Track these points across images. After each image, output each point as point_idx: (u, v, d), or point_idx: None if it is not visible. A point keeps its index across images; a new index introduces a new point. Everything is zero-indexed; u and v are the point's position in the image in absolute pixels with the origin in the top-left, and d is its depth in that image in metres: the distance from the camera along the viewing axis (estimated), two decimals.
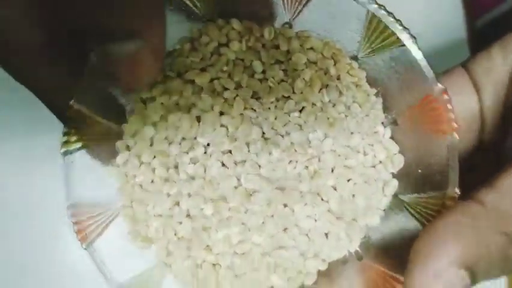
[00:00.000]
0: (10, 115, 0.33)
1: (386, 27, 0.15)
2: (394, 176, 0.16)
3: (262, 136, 0.16)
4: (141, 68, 0.13)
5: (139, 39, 0.12)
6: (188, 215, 0.16)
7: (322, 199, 0.15)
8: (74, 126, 0.15)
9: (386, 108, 0.16)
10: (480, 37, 0.32)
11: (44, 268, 0.31)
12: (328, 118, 0.16)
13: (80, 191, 0.16)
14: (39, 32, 0.14)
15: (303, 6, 0.16)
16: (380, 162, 0.16)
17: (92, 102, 0.15)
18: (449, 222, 0.13)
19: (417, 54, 0.15)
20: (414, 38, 0.15)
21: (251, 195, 0.15)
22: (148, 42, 0.13)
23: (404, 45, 0.15)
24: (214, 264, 0.16)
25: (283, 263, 0.16)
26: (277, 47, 0.16)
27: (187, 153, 0.16)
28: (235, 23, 0.16)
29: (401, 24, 0.15)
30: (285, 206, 0.15)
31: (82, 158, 0.16)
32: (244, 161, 0.15)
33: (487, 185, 0.14)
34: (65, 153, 0.16)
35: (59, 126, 0.32)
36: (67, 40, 0.14)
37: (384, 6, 0.15)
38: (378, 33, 0.15)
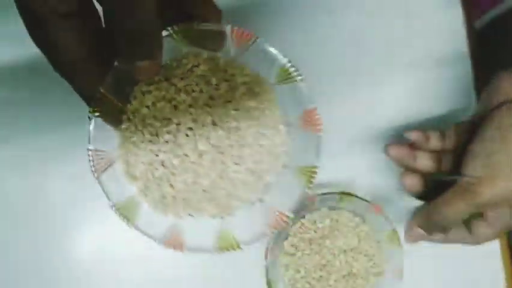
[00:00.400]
0: (11, 116, 0.35)
1: (287, 69, 0.27)
2: (284, 152, 0.28)
3: (213, 122, 0.26)
4: (150, 74, 0.23)
5: (155, 61, 0.22)
6: (162, 164, 0.26)
7: (244, 161, 0.26)
8: (99, 103, 0.25)
9: (284, 114, 0.28)
10: (479, 38, 0.34)
11: (45, 268, 0.31)
12: (252, 116, 0.27)
13: (97, 142, 0.25)
14: (83, 48, 0.22)
15: (244, 51, 0.27)
16: (278, 144, 0.27)
17: (111, 89, 0.25)
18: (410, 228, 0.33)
19: (303, 87, 0.27)
20: (301, 75, 0.27)
21: (203, 155, 0.26)
22: (157, 61, 0.23)
23: (296, 80, 0.27)
24: (174, 196, 0.26)
25: (217, 199, 0.26)
26: (226, 71, 0.27)
27: (166, 126, 0.26)
28: (204, 54, 0.27)
29: (295, 69, 0.27)
30: (223, 163, 0.26)
31: (101, 123, 0.25)
32: (201, 134, 0.26)
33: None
34: (90, 118, 0.25)
35: (58, 128, 0.36)
36: (99, 52, 0.23)
37: (285, 56, 0.26)
38: (283, 72, 0.27)
